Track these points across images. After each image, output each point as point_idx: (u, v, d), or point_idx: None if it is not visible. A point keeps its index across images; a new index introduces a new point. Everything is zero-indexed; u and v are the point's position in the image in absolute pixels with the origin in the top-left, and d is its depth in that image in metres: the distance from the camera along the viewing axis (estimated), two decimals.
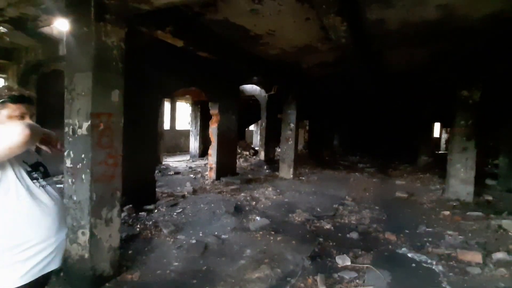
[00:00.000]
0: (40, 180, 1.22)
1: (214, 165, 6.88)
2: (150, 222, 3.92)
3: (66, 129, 2.30)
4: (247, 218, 4.27)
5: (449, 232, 3.91)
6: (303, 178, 7.92)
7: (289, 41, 4.80)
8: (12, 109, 1.13)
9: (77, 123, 2.25)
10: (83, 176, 2.26)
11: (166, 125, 12.46)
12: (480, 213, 4.62)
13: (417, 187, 7.01)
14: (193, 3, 3.29)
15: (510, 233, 3.76)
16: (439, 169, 8.20)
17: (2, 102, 1.12)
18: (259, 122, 11.74)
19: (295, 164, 7.94)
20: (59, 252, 1.24)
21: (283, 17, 3.77)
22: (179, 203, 4.90)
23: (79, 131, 2.25)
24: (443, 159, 7.37)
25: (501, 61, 4.82)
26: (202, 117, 11.32)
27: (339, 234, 3.93)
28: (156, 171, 6.34)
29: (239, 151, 11.13)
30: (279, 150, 8.93)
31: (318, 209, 4.99)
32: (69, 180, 2.32)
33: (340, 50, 4.60)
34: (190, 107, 11.92)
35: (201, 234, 3.66)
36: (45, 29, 4.40)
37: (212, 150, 6.91)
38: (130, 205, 4.20)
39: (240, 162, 9.74)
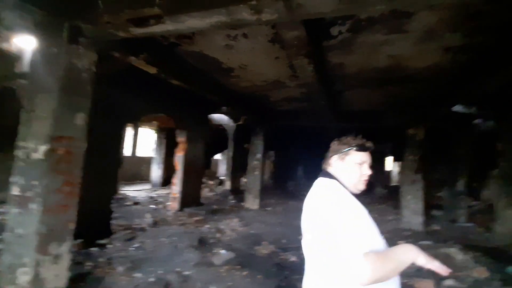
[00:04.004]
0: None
1: (177, 195, 6.58)
2: (103, 259, 3.53)
3: (19, 153, 2.08)
4: (211, 252, 4.07)
5: None
6: (269, 208, 7.90)
7: (259, 76, 5.07)
8: (352, 156, 1.27)
9: (33, 146, 2.06)
10: (33, 205, 2.01)
11: (127, 151, 11.80)
12: (430, 242, 5.00)
13: (375, 218, 7.28)
14: (171, 34, 3.37)
15: (455, 261, 4.09)
16: (393, 200, 8.81)
17: (346, 150, 1.28)
18: (226, 151, 11.73)
19: (261, 194, 7.94)
20: None
21: (255, 54, 4.02)
22: (137, 237, 4.52)
23: (34, 155, 2.05)
24: (395, 191, 7.99)
25: (440, 105, 5.60)
26: (168, 145, 10.97)
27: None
28: (113, 201, 5.85)
29: (204, 180, 10.86)
30: (245, 180, 8.91)
31: (284, 241, 4.95)
32: (15, 211, 2.04)
33: (306, 87, 4.96)
34: (156, 134, 11.54)
35: (161, 271, 3.38)
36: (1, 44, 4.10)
37: (177, 179, 6.65)
38: (81, 240, 3.76)
39: (205, 192, 9.46)
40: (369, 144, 1.31)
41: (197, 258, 3.78)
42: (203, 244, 4.33)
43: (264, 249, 4.38)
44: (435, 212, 7.94)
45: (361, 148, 1.27)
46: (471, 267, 3.80)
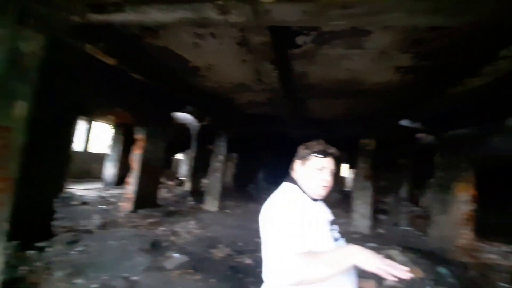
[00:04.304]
0: (340, 240, 1.26)
1: (132, 195, 6.21)
2: (41, 263, 3.18)
3: None
4: (164, 256, 3.90)
5: None
6: (228, 211, 7.86)
7: (225, 77, 5.05)
8: (312, 161, 1.26)
9: None
10: None
11: (78, 146, 10.84)
12: (375, 245, 5.42)
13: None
14: (132, 26, 3.20)
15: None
16: (345, 205, 9.38)
17: (308, 155, 1.28)
18: (188, 151, 11.42)
19: (221, 196, 7.87)
20: None
21: (223, 55, 4.00)
22: (82, 240, 4.16)
23: None
24: (348, 196, 8.53)
25: (389, 119, 6.14)
26: (125, 142, 10.31)
27: (259, 269, 3.96)
28: (57, 200, 5.32)
29: (163, 180, 10.42)
30: (206, 181, 8.76)
31: (240, 244, 4.96)
32: None
33: (270, 93, 5.08)
34: (113, 129, 10.79)
35: (105, 277, 3.14)
36: None
37: (132, 179, 6.28)
38: (16, 241, 3.34)
39: (163, 193, 9.08)
40: (331, 150, 1.28)
41: (147, 262, 3.60)
42: (155, 247, 4.14)
43: (219, 252, 4.34)
44: (381, 216, 8.64)
45: (321, 154, 1.26)
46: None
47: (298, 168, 1.30)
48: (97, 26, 2.85)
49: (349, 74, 4.33)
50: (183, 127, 10.36)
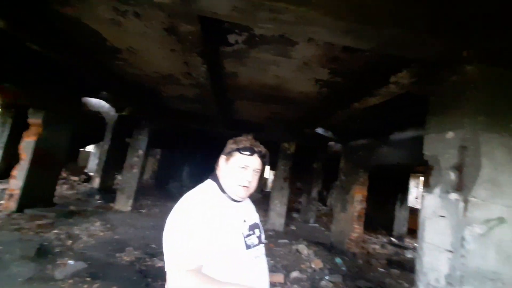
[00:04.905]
0: (256, 246, 1.14)
1: (17, 191, 5.07)
2: None
3: None
4: (54, 263, 3.30)
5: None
6: (144, 210, 7.27)
7: (151, 65, 4.65)
8: (236, 158, 1.15)
9: None
10: None
11: None
12: (286, 240, 5.87)
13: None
14: None
15: (302, 255, 4.96)
16: (265, 204, 9.90)
17: (231, 151, 1.17)
18: (101, 143, 10.08)
19: (136, 195, 7.21)
20: None
21: (148, 39, 3.67)
22: None
23: None
24: (268, 196, 9.03)
25: (307, 127, 6.77)
26: (15, 126, 8.34)
27: None
28: None
29: (65, 175, 8.91)
30: (121, 178, 7.89)
31: (153, 246, 4.63)
32: None
33: (199, 88, 4.92)
34: None
35: None
36: None
37: (19, 171, 5.14)
38: None
39: (64, 190, 7.74)
40: (258, 148, 1.18)
41: (30, 272, 2.97)
42: (43, 254, 3.45)
43: (127, 256, 3.93)
44: (294, 215, 9.45)
45: (247, 151, 1.15)
46: (311, 260, 4.68)
47: (222, 165, 1.18)
48: None
49: (276, 80, 4.56)
50: (96, 116, 9.09)
